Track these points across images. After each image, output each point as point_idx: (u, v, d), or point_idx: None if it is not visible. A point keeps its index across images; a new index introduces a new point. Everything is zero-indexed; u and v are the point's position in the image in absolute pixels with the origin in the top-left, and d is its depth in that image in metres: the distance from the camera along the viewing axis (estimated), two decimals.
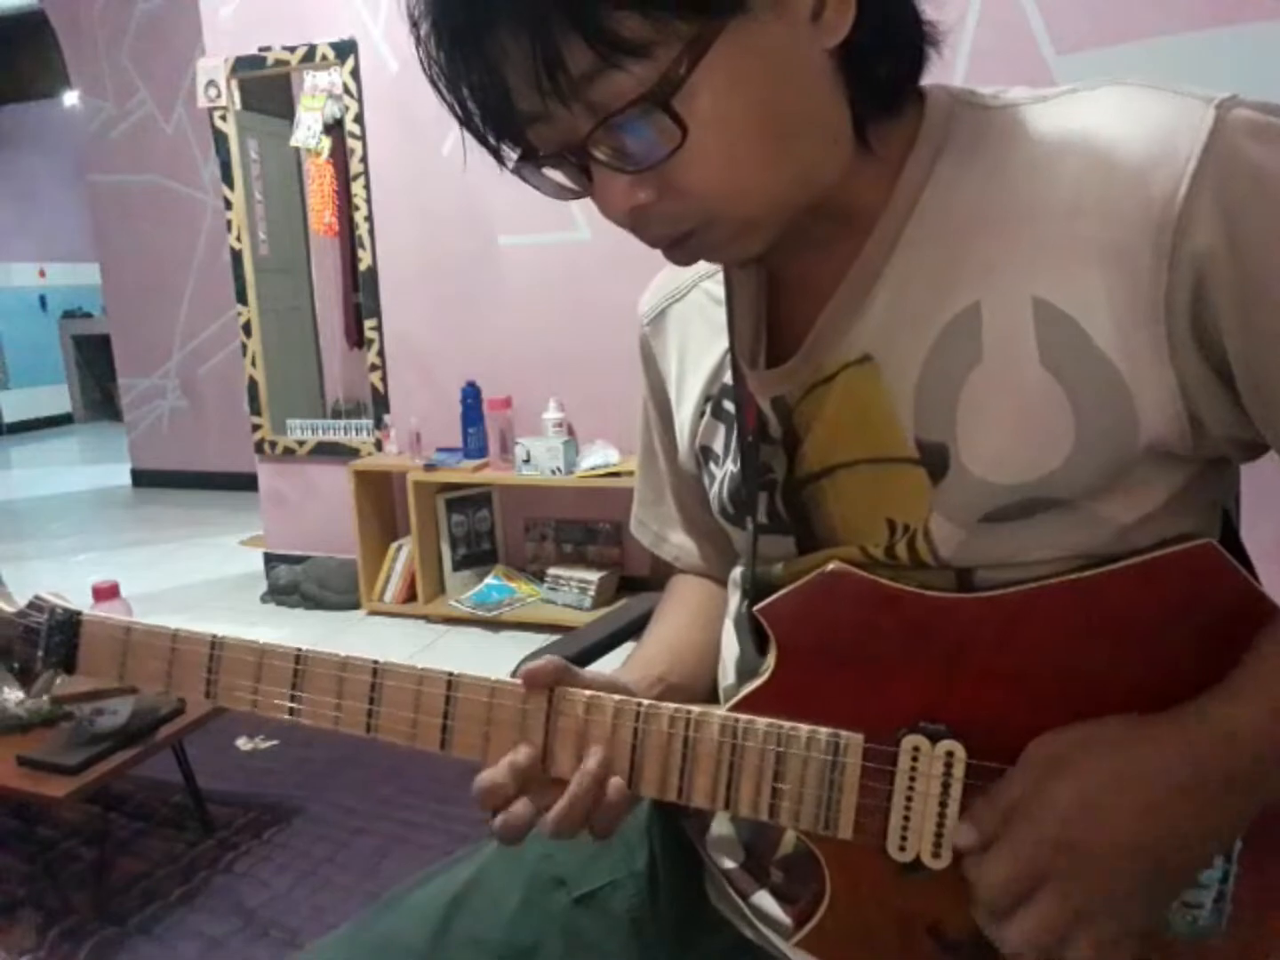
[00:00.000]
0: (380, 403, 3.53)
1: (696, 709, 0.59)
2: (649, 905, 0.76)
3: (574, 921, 0.74)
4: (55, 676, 0.69)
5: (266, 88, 3.68)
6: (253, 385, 3.73)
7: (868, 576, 0.58)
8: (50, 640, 0.68)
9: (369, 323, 3.49)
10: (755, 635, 0.65)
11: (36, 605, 0.69)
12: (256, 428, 3.74)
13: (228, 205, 3.62)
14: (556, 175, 0.56)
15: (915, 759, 0.57)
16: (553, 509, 3.38)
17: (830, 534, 0.62)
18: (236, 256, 3.64)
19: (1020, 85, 0.59)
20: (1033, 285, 0.54)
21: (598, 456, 3.07)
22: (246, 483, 4.34)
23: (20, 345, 8.27)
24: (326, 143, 3.54)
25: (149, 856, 1.96)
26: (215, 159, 3.65)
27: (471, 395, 3.23)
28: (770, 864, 0.68)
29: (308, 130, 3.52)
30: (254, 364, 3.72)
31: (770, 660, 0.60)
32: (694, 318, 0.74)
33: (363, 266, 3.45)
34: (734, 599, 0.74)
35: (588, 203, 0.55)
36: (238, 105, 3.55)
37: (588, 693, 0.60)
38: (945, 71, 0.57)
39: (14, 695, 1.83)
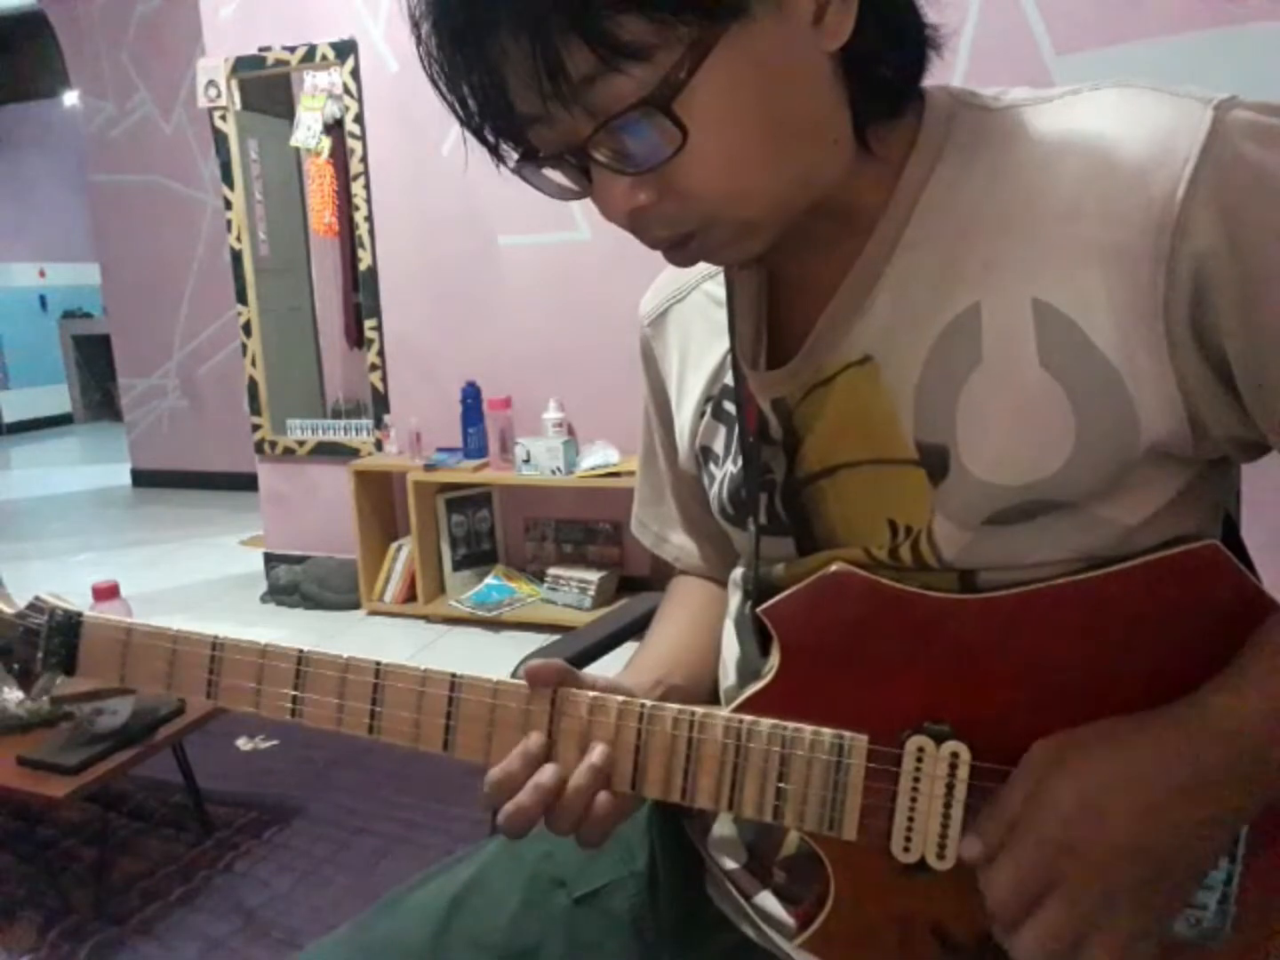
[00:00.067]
0: (380, 403, 3.53)
1: (700, 710, 0.59)
2: (649, 905, 0.76)
3: (574, 921, 0.74)
4: (55, 678, 0.69)
5: (266, 88, 3.68)
6: (253, 385, 3.73)
7: (871, 577, 0.58)
8: (50, 642, 0.68)
9: (369, 323, 3.49)
10: (758, 636, 0.65)
11: (36, 607, 0.68)
12: (256, 428, 3.74)
13: (228, 205, 3.62)
14: (557, 176, 0.56)
15: (920, 760, 0.56)
16: (553, 509, 3.39)
17: (830, 535, 0.62)
18: (236, 256, 3.64)
19: (1021, 86, 0.59)
20: (1033, 286, 0.54)
21: (598, 456, 3.07)
22: (246, 483, 4.34)
23: (20, 345, 8.27)
24: (326, 143, 3.54)
25: (149, 856, 1.95)
26: (215, 159, 3.65)
27: (471, 395, 3.23)
28: (773, 864, 0.68)
29: (308, 130, 3.52)
30: (254, 364, 3.72)
31: (773, 661, 0.60)
32: (695, 319, 0.74)
33: (363, 266, 3.45)
34: (734, 599, 0.74)
35: (588, 203, 0.55)
36: (238, 105, 3.55)
37: (591, 693, 0.60)
38: (945, 72, 0.57)
39: (14, 695, 1.83)
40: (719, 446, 0.71)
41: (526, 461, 3.10)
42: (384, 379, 3.51)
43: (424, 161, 3.24)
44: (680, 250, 0.57)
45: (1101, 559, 0.56)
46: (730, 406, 0.69)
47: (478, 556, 3.44)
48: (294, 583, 3.58)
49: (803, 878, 0.65)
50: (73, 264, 8.36)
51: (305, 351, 4.09)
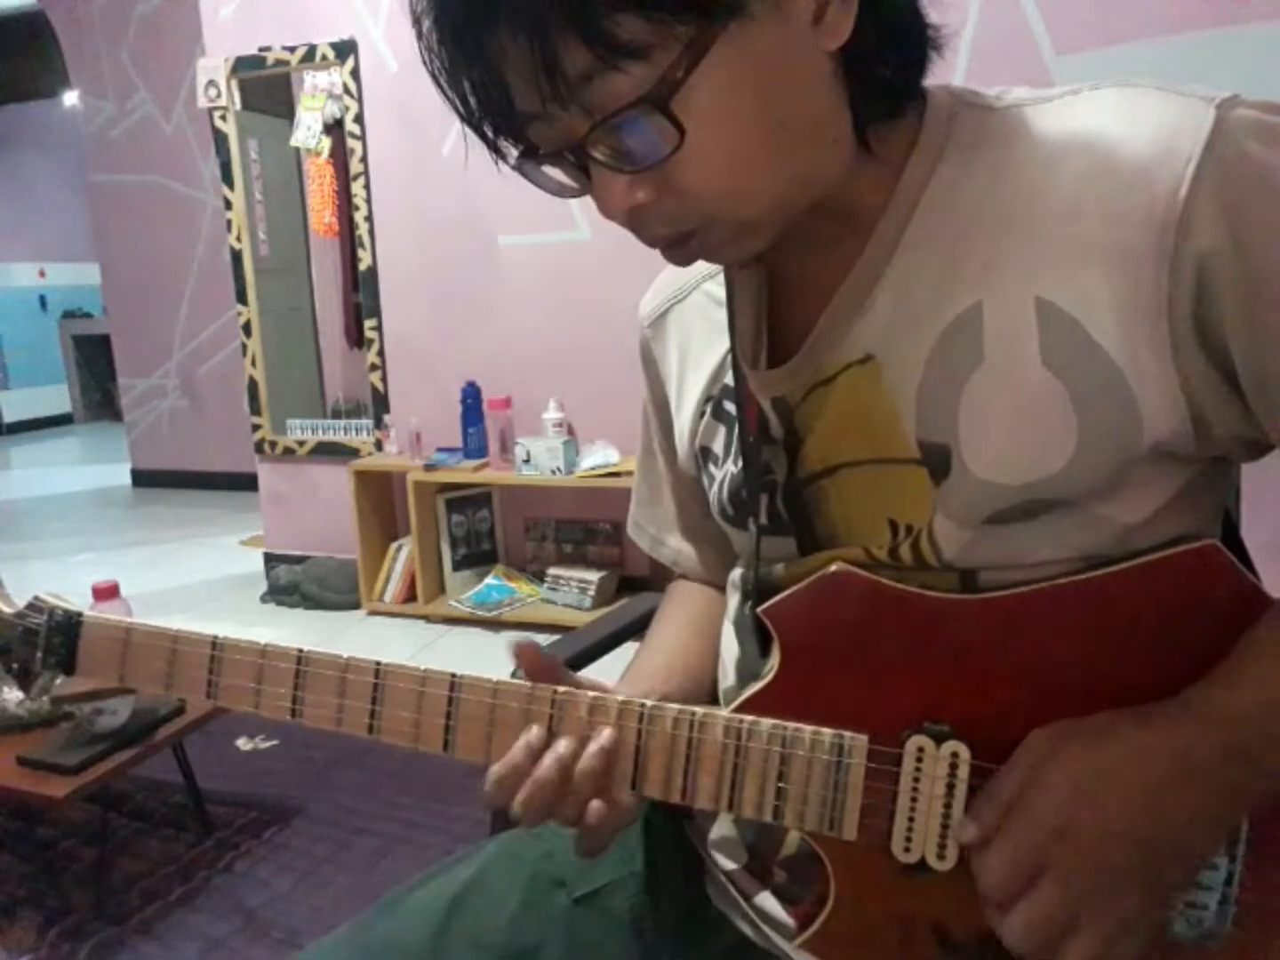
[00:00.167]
0: (380, 403, 3.53)
1: (700, 710, 0.59)
2: (649, 905, 0.76)
3: (574, 921, 0.73)
4: (55, 678, 0.69)
5: (266, 88, 3.68)
6: (253, 385, 3.73)
7: (871, 577, 0.58)
8: (49, 641, 0.67)
9: (369, 323, 3.49)
10: (758, 636, 0.65)
11: (36, 606, 0.68)
12: (256, 428, 3.74)
13: (228, 205, 3.62)
14: (557, 173, 0.56)
15: (920, 760, 0.56)
16: (553, 509, 3.38)
17: (831, 535, 0.62)
18: (236, 256, 3.64)
19: (1021, 85, 0.59)
20: (1035, 285, 0.54)
21: (598, 456, 3.07)
22: (246, 483, 4.34)
23: (20, 345, 8.27)
24: (326, 143, 3.54)
25: (149, 856, 1.95)
26: (215, 159, 3.65)
27: (471, 395, 3.23)
28: (773, 864, 0.68)
29: (308, 130, 3.52)
30: (254, 364, 3.72)
31: (774, 661, 0.60)
32: (695, 319, 0.74)
33: (363, 266, 3.45)
34: (733, 600, 0.74)
35: (588, 202, 0.55)
36: (238, 105, 3.54)
37: (591, 694, 0.60)
38: (945, 72, 0.57)
39: (14, 695, 1.82)
40: (719, 447, 0.71)
41: (526, 461, 3.10)
42: (384, 379, 3.51)
43: (424, 161, 3.24)
44: (679, 249, 0.57)
45: (1101, 558, 0.56)
46: (730, 406, 0.69)
47: (478, 556, 3.44)
48: (294, 583, 3.58)
49: (803, 878, 0.65)
50: (73, 264, 8.36)
51: (305, 351, 4.09)
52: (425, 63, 0.52)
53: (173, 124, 5.04)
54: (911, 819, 0.57)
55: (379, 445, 3.52)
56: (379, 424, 3.52)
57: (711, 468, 0.72)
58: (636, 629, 1.12)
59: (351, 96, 3.32)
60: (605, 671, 0.78)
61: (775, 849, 0.67)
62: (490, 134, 0.54)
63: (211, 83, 3.49)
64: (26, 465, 6.95)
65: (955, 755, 0.56)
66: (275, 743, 2.43)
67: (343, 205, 3.66)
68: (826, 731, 0.57)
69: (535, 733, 0.59)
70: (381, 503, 3.51)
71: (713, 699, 0.76)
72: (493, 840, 0.80)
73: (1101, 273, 0.52)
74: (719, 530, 0.74)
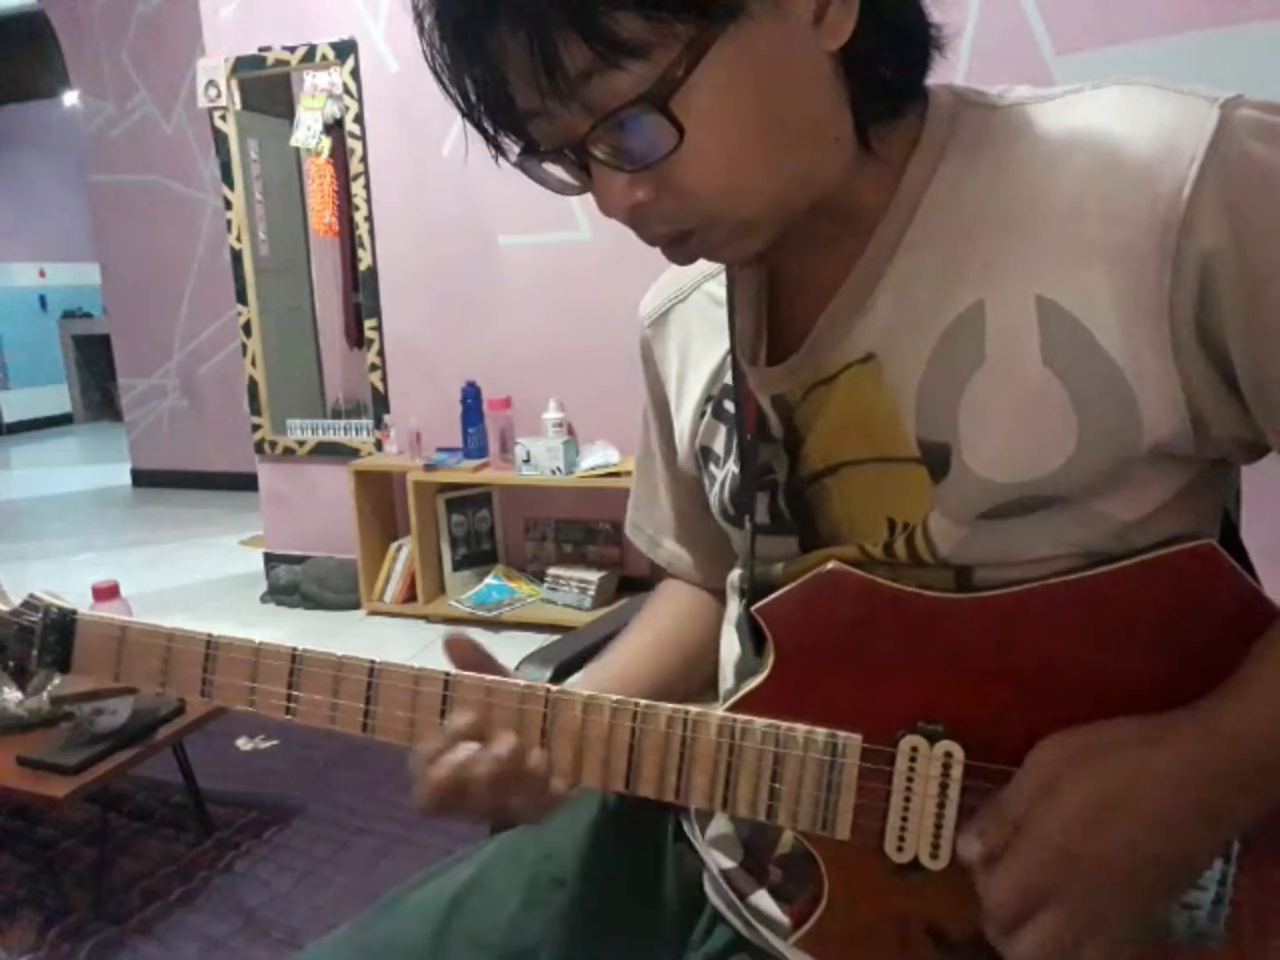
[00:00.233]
0: (380, 403, 3.53)
1: (694, 709, 0.59)
2: (648, 905, 0.76)
3: (574, 921, 0.73)
4: (51, 676, 0.69)
5: (266, 88, 3.68)
6: (253, 385, 3.73)
7: (865, 576, 0.58)
8: (45, 639, 0.68)
9: (369, 323, 3.49)
10: (754, 636, 0.65)
11: (31, 604, 0.68)
12: (256, 428, 3.74)
13: (228, 205, 3.62)
14: (558, 170, 0.56)
15: (913, 760, 0.56)
16: (553, 509, 3.38)
17: (834, 533, 0.62)
18: (236, 256, 3.64)
19: (1022, 85, 0.59)
20: (1036, 284, 0.54)
21: (598, 456, 3.07)
22: (246, 483, 4.34)
23: (20, 345, 8.27)
24: (326, 143, 3.54)
25: (149, 856, 1.96)
26: (215, 159, 3.65)
27: (471, 395, 3.23)
28: (769, 862, 0.68)
29: (308, 130, 3.52)
30: (254, 364, 3.72)
31: (768, 660, 0.60)
32: (696, 319, 0.74)
33: (363, 266, 3.45)
34: (732, 602, 0.74)
35: (588, 202, 0.55)
36: (238, 105, 3.55)
37: (585, 692, 0.60)
38: (946, 72, 0.57)
39: (14, 695, 1.83)
40: (719, 446, 0.71)
41: (526, 461, 3.10)
42: (384, 379, 3.51)
43: (424, 161, 3.24)
44: (679, 247, 0.57)
45: (1098, 555, 0.56)
46: (730, 406, 0.69)
47: (478, 556, 3.44)
48: (294, 583, 3.58)
49: (798, 876, 0.65)
50: (73, 264, 8.36)
51: (305, 351, 4.09)
52: (426, 59, 0.53)
53: (173, 124, 5.04)
54: (905, 818, 0.57)
55: (379, 445, 3.52)
56: (379, 424, 3.52)
57: (712, 468, 0.72)
58: None
59: (351, 96, 3.32)
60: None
61: (771, 846, 0.67)
62: (491, 131, 0.54)
63: (211, 83, 3.49)
64: (26, 465, 6.96)
65: (949, 755, 0.56)
66: (275, 743, 2.43)
67: (343, 205, 3.66)
68: (820, 731, 0.57)
69: (461, 719, 0.60)
70: (381, 503, 3.51)
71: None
72: (493, 840, 0.80)
73: (1103, 272, 0.52)
74: (716, 533, 0.74)
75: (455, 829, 2.01)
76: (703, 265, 0.71)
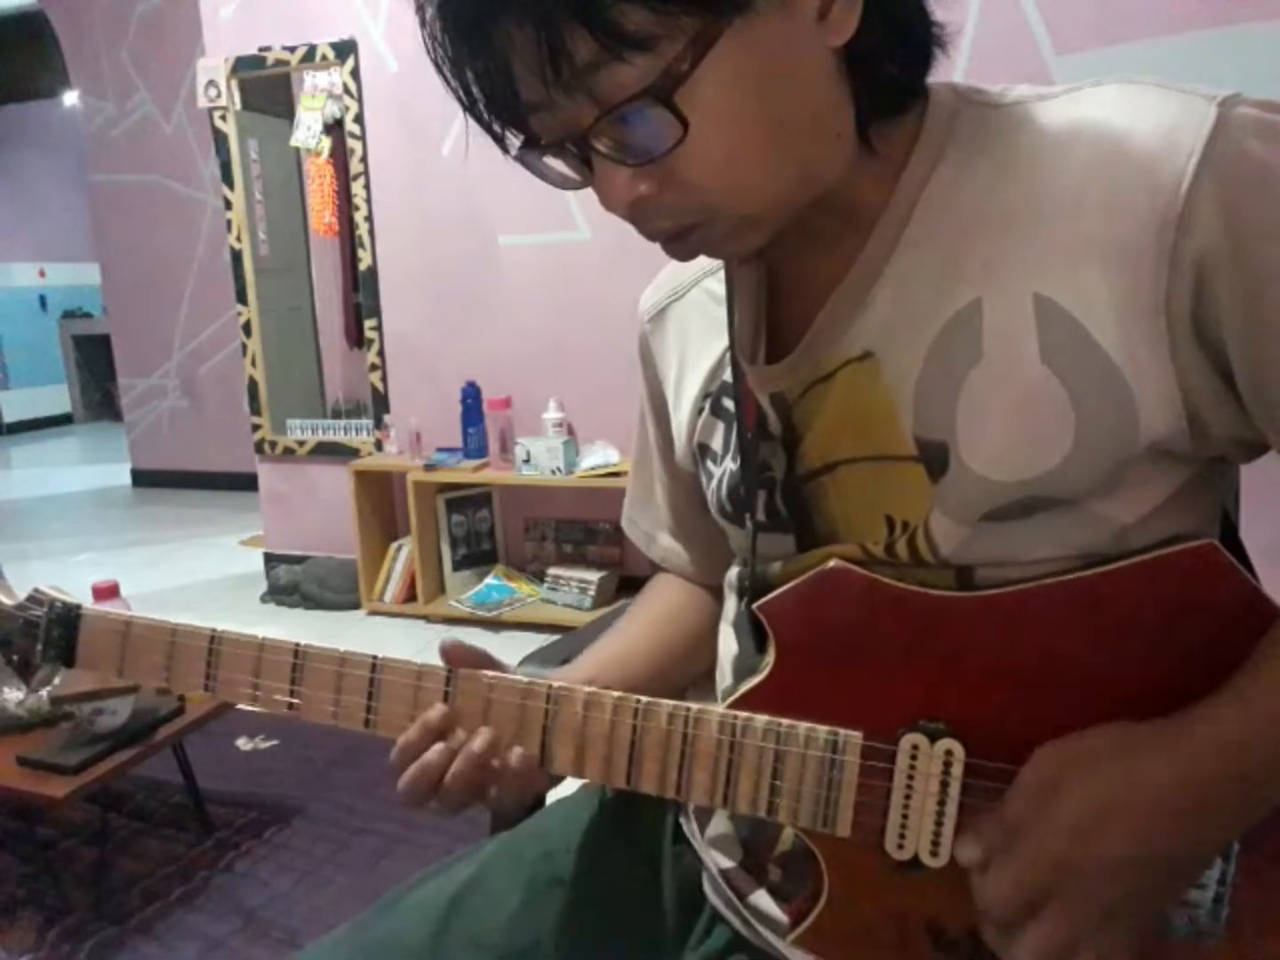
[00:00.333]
0: (380, 403, 3.53)
1: (695, 706, 0.59)
2: (648, 905, 0.76)
3: (573, 921, 0.73)
4: (55, 670, 0.69)
5: (266, 88, 3.68)
6: (253, 385, 3.73)
7: (867, 574, 0.58)
8: (50, 633, 0.68)
9: (369, 323, 3.49)
10: (754, 633, 0.65)
11: (36, 598, 0.69)
12: (256, 428, 3.74)
13: (228, 205, 3.62)
14: (559, 165, 0.56)
15: (914, 757, 0.56)
16: (553, 509, 3.38)
17: (831, 531, 0.62)
18: (236, 256, 3.64)
19: (1023, 84, 0.59)
20: (1034, 282, 0.54)
21: (598, 456, 3.07)
22: (246, 483, 4.34)
23: (20, 345, 8.27)
24: (326, 143, 3.54)
25: (149, 856, 1.96)
26: (215, 159, 3.65)
27: (471, 395, 3.23)
28: (769, 861, 0.68)
29: (308, 130, 3.52)
30: (254, 364, 3.72)
31: (769, 658, 0.60)
32: (694, 316, 0.74)
33: (363, 266, 3.45)
34: (730, 600, 0.74)
35: (588, 202, 0.56)
36: (238, 105, 3.55)
37: (587, 689, 0.60)
38: (946, 71, 0.57)
39: (14, 695, 1.83)
40: (717, 444, 0.71)
41: (526, 461, 3.10)
42: (384, 379, 3.51)
43: (424, 161, 3.24)
44: (680, 243, 0.57)
45: (1098, 556, 0.56)
46: (729, 403, 0.69)
47: (478, 556, 3.44)
48: (294, 583, 3.58)
49: (798, 874, 0.65)
50: (73, 264, 8.36)
51: (305, 351, 4.09)
52: (429, 52, 0.52)
53: (173, 124, 5.04)
54: (905, 816, 0.57)
55: (379, 445, 3.52)
56: (379, 424, 3.52)
57: (710, 464, 0.72)
58: None
59: (351, 96, 3.32)
60: None
61: (770, 845, 0.67)
62: (493, 124, 0.54)
63: (211, 83, 3.49)
64: (26, 465, 6.96)
65: (950, 753, 0.56)
66: (275, 743, 2.43)
67: (343, 205, 3.66)
68: (821, 728, 0.57)
69: (436, 711, 0.61)
70: (381, 503, 3.51)
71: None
72: (492, 840, 0.80)
73: (1101, 270, 0.52)
74: (711, 531, 0.74)
75: (455, 829, 2.01)
76: (701, 262, 0.71)
